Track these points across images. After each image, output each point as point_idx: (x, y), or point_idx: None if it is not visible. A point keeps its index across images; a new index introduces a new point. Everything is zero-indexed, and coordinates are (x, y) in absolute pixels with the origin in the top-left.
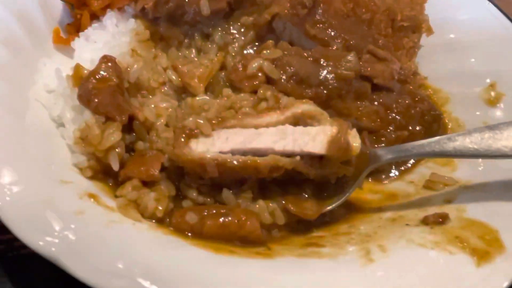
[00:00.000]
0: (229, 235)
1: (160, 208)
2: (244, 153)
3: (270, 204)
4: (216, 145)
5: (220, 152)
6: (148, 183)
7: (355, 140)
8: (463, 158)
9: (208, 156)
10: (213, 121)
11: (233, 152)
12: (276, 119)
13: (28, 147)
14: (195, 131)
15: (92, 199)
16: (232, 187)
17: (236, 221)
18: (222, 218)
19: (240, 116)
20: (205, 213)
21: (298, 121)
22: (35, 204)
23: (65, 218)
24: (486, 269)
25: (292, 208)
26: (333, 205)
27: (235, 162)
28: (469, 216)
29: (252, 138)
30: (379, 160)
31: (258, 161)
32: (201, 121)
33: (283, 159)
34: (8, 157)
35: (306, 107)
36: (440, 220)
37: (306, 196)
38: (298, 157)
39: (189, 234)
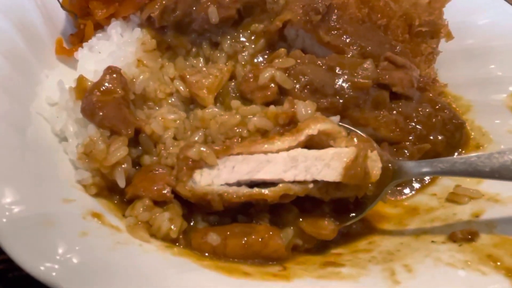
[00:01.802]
0: (253, 254)
1: (174, 228)
2: (251, 184)
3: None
4: (221, 176)
5: (226, 184)
6: (159, 202)
7: (375, 165)
8: (502, 180)
9: (213, 189)
10: (218, 148)
11: (240, 183)
12: (288, 144)
13: (30, 163)
14: (199, 162)
15: (96, 219)
16: (242, 211)
17: (259, 239)
18: (245, 238)
19: (247, 142)
20: (228, 233)
21: (313, 138)
22: (36, 225)
23: (68, 240)
24: None
25: (307, 229)
26: (350, 222)
27: (241, 198)
28: (500, 232)
29: (260, 167)
30: (403, 175)
31: (266, 192)
32: (205, 150)
33: (294, 188)
34: (9, 175)
35: (322, 126)
36: (469, 236)
37: (324, 211)
38: (311, 185)
39: (209, 254)
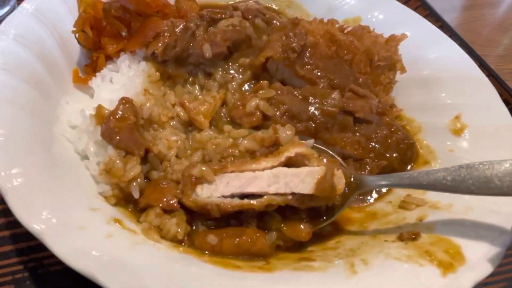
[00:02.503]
0: (243, 252)
1: (181, 231)
2: (242, 195)
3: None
4: (218, 190)
5: (222, 196)
6: (167, 211)
7: (340, 181)
8: (435, 191)
9: (212, 201)
10: (216, 167)
11: (233, 195)
12: (271, 164)
13: (59, 178)
14: (201, 178)
15: (117, 224)
16: (235, 216)
17: (249, 240)
18: (237, 239)
19: (239, 162)
20: (224, 235)
21: (291, 159)
22: (72, 230)
23: (98, 242)
24: (450, 278)
25: (287, 232)
26: (322, 225)
27: (234, 207)
28: (437, 233)
29: (249, 182)
30: (364, 187)
31: (254, 203)
32: (205, 169)
33: (276, 199)
34: (40, 187)
35: (298, 149)
36: (413, 236)
37: (301, 217)
38: (290, 196)
39: (208, 252)
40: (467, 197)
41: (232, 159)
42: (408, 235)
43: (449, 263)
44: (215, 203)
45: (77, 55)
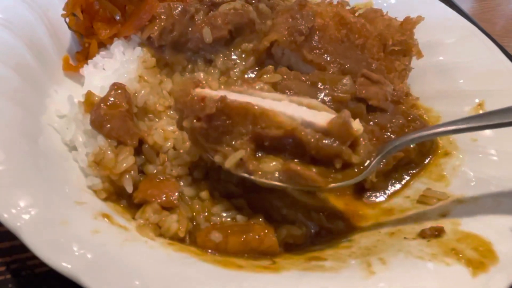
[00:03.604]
0: (250, 250)
1: (182, 228)
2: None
3: (272, 164)
4: (220, 94)
5: None
6: (166, 207)
7: (357, 125)
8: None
9: (211, 93)
10: (221, 84)
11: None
12: (282, 97)
13: (43, 170)
14: (203, 82)
15: (106, 219)
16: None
17: (256, 237)
18: (244, 236)
19: (247, 86)
20: (228, 231)
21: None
22: (53, 225)
23: (82, 238)
24: (481, 278)
25: (298, 168)
26: (343, 183)
27: (234, 103)
28: (464, 229)
29: (255, 100)
30: (385, 149)
31: (257, 107)
32: (210, 78)
33: (282, 116)
34: (23, 179)
35: (314, 101)
36: (436, 233)
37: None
38: (299, 120)
39: (212, 250)
40: (495, 189)
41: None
42: (430, 231)
43: (480, 261)
44: (215, 94)
45: (68, 41)
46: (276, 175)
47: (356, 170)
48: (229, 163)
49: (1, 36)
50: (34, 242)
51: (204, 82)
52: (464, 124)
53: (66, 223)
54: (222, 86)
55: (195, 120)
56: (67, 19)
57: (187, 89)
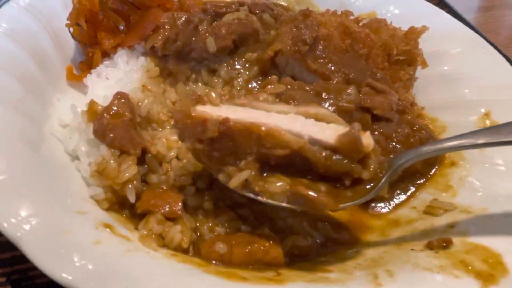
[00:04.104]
0: (256, 261)
1: (185, 239)
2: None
3: (279, 184)
4: (221, 113)
5: None
6: (170, 218)
7: (368, 141)
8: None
9: (212, 114)
10: (223, 97)
11: None
12: (288, 110)
13: (45, 179)
14: (204, 98)
15: (108, 229)
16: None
17: (261, 248)
18: (249, 247)
19: (251, 98)
20: (233, 242)
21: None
22: (53, 235)
23: (83, 248)
24: None
25: (306, 193)
26: (354, 202)
27: (237, 124)
28: (472, 240)
29: (260, 117)
30: (395, 163)
31: (262, 128)
32: (211, 93)
33: (288, 135)
34: (26, 189)
35: (322, 110)
36: (444, 244)
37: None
38: (306, 137)
39: (217, 262)
40: (503, 199)
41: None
42: (438, 243)
43: (489, 274)
44: (217, 116)
45: (72, 51)
46: (283, 196)
47: (367, 187)
48: (234, 184)
49: (6, 46)
50: (34, 253)
51: (204, 96)
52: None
53: (67, 233)
54: (224, 98)
55: (197, 142)
56: (71, 29)
57: (187, 110)
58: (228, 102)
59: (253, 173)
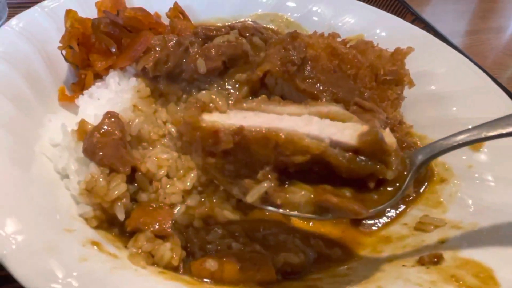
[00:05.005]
0: (247, 279)
1: (175, 257)
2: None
3: (302, 194)
4: (232, 121)
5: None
6: (160, 236)
7: (390, 138)
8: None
9: (223, 124)
10: (230, 101)
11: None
12: (300, 111)
13: (33, 197)
14: (210, 105)
15: (95, 247)
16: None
17: (253, 265)
18: (240, 264)
19: (258, 102)
20: (224, 259)
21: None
22: (39, 252)
23: (69, 265)
24: None
25: (334, 199)
26: (384, 205)
27: (253, 133)
28: (463, 255)
29: (272, 121)
30: (418, 160)
31: (281, 134)
32: (216, 97)
33: (308, 139)
34: (13, 207)
35: (334, 108)
36: (435, 260)
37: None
38: (327, 140)
39: (208, 280)
40: (493, 214)
41: None
42: (429, 258)
43: None
44: (229, 125)
45: (65, 73)
46: (309, 206)
47: (391, 188)
48: (252, 198)
49: (0, 69)
50: (18, 270)
51: (209, 103)
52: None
53: (53, 250)
54: (231, 102)
55: (208, 156)
56: (64, 51)
57: (194, 120)
58: (235, 107)
59: (272, 184)
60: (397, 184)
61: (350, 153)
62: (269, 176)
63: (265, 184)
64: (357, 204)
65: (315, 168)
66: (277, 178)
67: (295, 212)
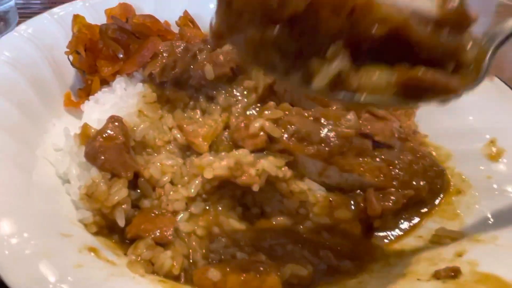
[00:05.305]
0: None
1: (176, 265)
2: None
3: (379, 75)
4: None
5: None
6: (161, 243)
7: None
8: None
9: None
10: None
11: None
12: None
13: (32, 201)
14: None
15: (92, 253)
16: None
17: (257, 276)
18: (244, 274)
19: None
20: (227, 269)
21: None
22: (32, 256)
23: (63, 271)
24: None
25: (422, 75)
26: (474, 84)
27: None
28: (482, 269)
29: None
30: (497, 36)
31: None
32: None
33: (386, 5)
34: (10, 209)
35: None
36: (452, 274)
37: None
38: (407, 9)
39: None
40: None
41: None
42: (445, 272)
43: None
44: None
45: (71, 78)
46: (391, 89)
47: (468, 73)
48: (321, 82)
49: (6, 74)
50: (9, 273)
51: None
52: None
53: (47, 255)
54: None
55: (266, 27)
56: (71, 57)
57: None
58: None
59: (346, 59)
60: (472, 68)
61: (431, 25)
62: (342, 53)
63: (339, 62)
64: (453, 79)
65: (391, 46)
66: (349, 57)
67: (377, 97)
